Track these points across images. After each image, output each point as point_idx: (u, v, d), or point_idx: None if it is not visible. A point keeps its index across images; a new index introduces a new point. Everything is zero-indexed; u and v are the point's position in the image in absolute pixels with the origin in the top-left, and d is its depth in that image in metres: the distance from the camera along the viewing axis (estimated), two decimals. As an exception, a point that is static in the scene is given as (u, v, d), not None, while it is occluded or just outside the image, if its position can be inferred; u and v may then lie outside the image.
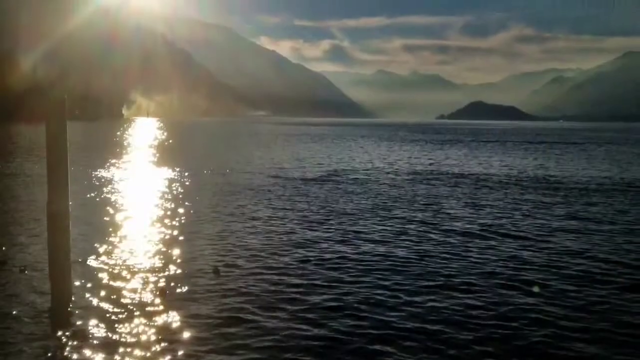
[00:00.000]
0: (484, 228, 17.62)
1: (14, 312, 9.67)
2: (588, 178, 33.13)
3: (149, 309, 10.00)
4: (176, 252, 13.87)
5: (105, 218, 18.10)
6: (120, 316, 9.63)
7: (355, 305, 10.45)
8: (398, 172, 35.57)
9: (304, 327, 9.41)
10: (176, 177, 30.48)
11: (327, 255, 13.93)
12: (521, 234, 16.86)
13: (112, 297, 10.49)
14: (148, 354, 8.35)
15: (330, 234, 16.50)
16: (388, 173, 35.02)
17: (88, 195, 22.94)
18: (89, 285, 11.08)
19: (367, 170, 36.92)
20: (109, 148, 56.63)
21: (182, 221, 17.94)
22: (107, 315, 9.66)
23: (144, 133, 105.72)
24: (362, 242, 15.57)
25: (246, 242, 15.24)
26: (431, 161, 45.71)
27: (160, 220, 18.07)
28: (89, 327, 9.13)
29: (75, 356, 8.23)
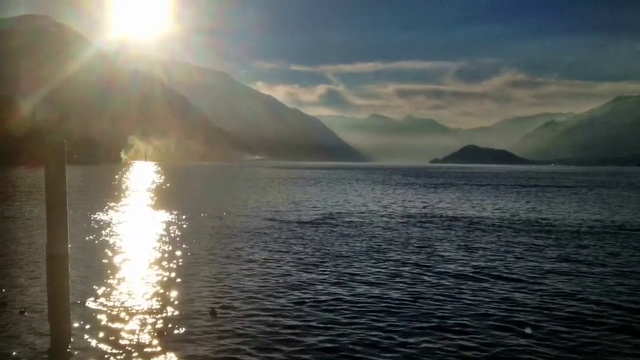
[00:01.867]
0: (477, 270, 17.86)
1: (14, 354, 9.79)
2: (580, 221, 33.52)
3: (147, 350, 10.14)
4: (173, 294, 14.05)
5: (104, 260, 18.26)
6: (118, 357, 9.76)
7: (350, 346, 10.60)
8: (392, 215, 35.88)
9: (300, 367, 9.54)
10: (173, 220, 30.70)
11: (323, 297, 14.12)
12: (514, 276, 17.09)
13: (110, 338, 10.63)
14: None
15: (326, 276, 16.69)
16: (382, 216, 35.33)
17: (87, 238, 23.12)
18: (88, 326, 11.22)
19: (362, 213, 37.23)
20: (108, 191, 56.91)
21: (179, 263, 18.12)
22: (106, 356, 9.79)
23: (142, 177, 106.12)
24: (356, 284, 15.77)
25: (243, 284, 15.42)
26: (425, 204, 46.03)
27: (158, 262, 18.24)
28: (88, 368, 9.25)
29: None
